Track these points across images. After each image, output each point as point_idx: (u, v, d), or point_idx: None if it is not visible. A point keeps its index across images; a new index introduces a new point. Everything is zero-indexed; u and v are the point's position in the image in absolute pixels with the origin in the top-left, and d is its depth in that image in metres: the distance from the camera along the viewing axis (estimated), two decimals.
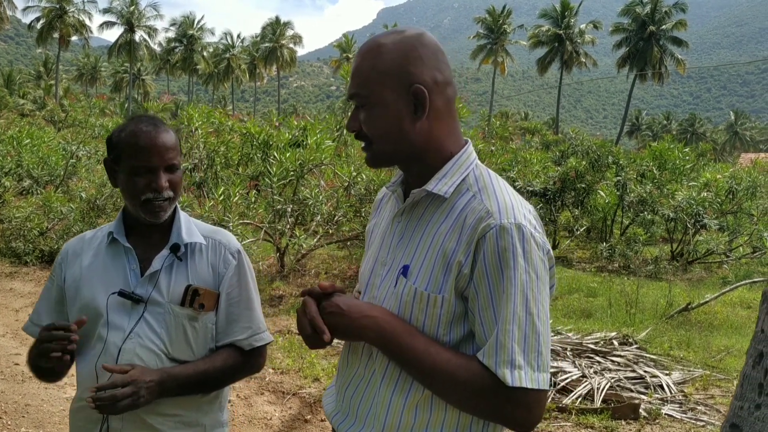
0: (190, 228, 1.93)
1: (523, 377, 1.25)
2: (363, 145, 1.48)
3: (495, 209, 1.33)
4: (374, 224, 1.68)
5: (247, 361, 1.95)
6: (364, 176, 9.52)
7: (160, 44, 71.96)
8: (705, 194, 13.58)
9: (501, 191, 1.39)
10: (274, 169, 9.34)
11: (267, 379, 5.72)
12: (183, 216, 1.95)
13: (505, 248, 1.29)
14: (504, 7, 64.75)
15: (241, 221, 8.76)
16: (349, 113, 1.49)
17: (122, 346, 1.78)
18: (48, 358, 1.66)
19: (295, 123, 12.38)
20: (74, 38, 60.90)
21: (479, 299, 1.31)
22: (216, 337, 1.92)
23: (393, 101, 1.38)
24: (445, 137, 1.43)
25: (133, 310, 1.82)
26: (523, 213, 1.34)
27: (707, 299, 8.82)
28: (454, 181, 1.41)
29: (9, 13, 50.68)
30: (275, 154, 10.04)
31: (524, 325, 1.27)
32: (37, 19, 58.05)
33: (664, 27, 55.99)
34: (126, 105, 51.87)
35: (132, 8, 63.05)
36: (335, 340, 1.43)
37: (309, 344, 1.44)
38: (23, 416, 4.67)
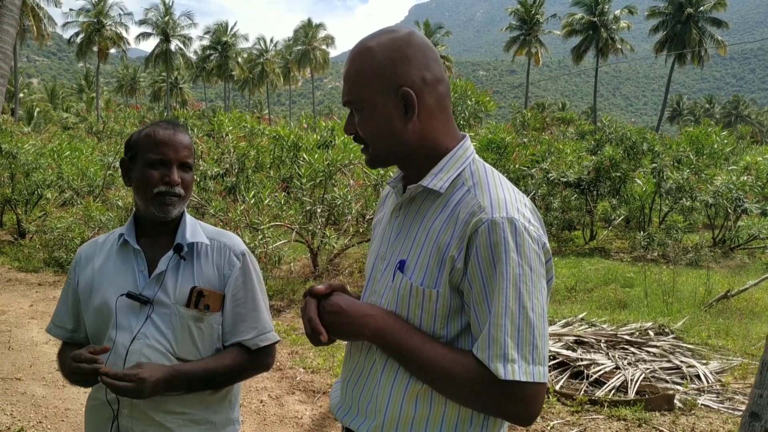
0: (195, 229, 1.98)
1: (516, 370, 1.25)
2: (362, 147, 1.50)
3: (487, 204, 1.33)
4: (377, 220, 1.70)
5: (254, 360, 1.98)
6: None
7: (195, 52, 73.13)
8: (745, 178, 13.20)
9: (495, 186, 1.38)
10: (303, 170, 9.42)
11: (298, 378, 5.78)
12: (189, 219, 2.00)
13: (496, 242, 1.29)
14: None
15: (272, 223, 8.86)
16: (346, 117, 1.51)
17: (130, 347, 1.84)
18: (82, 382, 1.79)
19: (324, 124, 12.47)
20: (112, 50, 62.17)
21: (473, 294, 1.32)
22: (223, 337, 1.96)
23: (382, 104, 1.39)
24: (440, 134, 1.44)
25: (141, 311, 1.87)
26: (517, 207, 1.34)
27: (747, 286, 8.58)
28: (449, 176, 1.41)
29: (50, 29, 51.93)
30: (304, 156, 10.13)
31: (517, 319, 1.27)
32: (77, 34, 59.43)
33: (702, 8, 54.57)
34: (165, 114, 52.82)
35: (166, 18, 64.16)
36: None
37: (312, 341, 1.46)
38: (62, 420, 4.82)
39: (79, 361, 1.74)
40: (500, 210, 1.31)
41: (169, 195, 1.87)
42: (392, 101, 1.39)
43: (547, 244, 1.37)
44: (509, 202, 1.34)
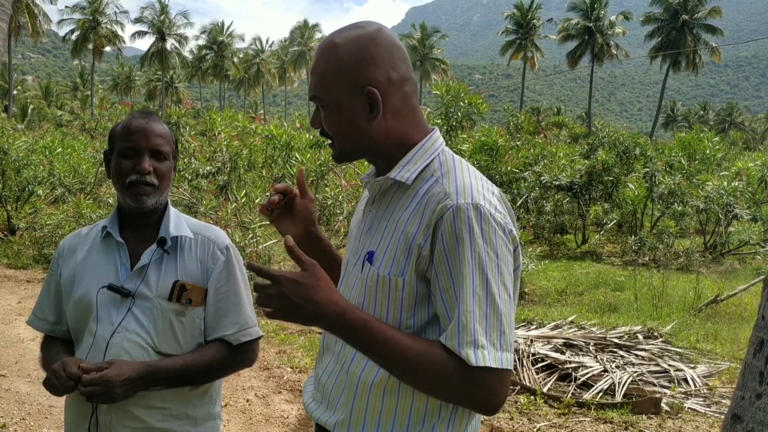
0: (179, 223, 1.96)
1: (486, 357, 1.24)
2: (329, 142, 1.50)
3: (453, 190, 1.33)
4: (355, 217, 1.70)
5: (235, 355, 1.97)
6: None
7: (191, 52, 73.05)
8: (736, 184, 13.25)
9: (462, 173, 1.38)
10: (295, 170, 9.42)
11: (285, 378, 5.76)
12: (173, 211, 1.99)
13: (461, 228, 1.28)
14: (533, 2, 64.12)
15: (263, 222, 8.84)
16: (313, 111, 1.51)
17: (110, 340, 1.82)
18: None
19: None
20: (108, 48, 62.08)
21: (439, 281, 1.31)
22: (205, 332, 1.95)
23: (347, 102, 1.40)
24: (407, 130, 1.44)
25: (122, 304, 1.86)
26: (483, 193, 1.34)
27: (737, 290, 8.62)
28: (417, 167, 1.41)
29: (45, 26, 51.74)
30: (297, 156, 10.13)
31: (485, 305, 1.26)
32: (72, 32, 59.34)
33: (697, 15, 54.88)
34: (160, 113, 52.72)
35: (162, 17, 64.05)
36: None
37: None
38: (46, 417, 4.78)
39: (56, 378, 1.75)
40: (465, 196, 1.31)
41: (141, 184, 1.85)
42: (357, 100, 1.39)
43: (515, 232, 1.37)
44: (475, 188, 1.34)
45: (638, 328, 6.97)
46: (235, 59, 73.24)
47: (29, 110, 50.39)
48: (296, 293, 1.31)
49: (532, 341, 6.20)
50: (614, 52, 57.92)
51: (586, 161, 15.21)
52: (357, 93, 1.39)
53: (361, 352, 1.37)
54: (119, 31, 60.61)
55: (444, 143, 1.49)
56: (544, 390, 5.31)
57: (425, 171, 1.41)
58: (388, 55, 1.40)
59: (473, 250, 1.27)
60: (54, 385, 1.76)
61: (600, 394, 5.26)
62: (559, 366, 5.77)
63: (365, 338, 1.33)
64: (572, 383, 5.49)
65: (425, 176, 1.41)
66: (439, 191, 1.35)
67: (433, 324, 1.37)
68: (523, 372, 5.64)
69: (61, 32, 61.86)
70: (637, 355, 6.15)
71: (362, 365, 1.42)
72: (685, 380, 5.65)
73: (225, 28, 72.59)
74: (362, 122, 1.40)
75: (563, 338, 6.37)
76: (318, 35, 77.21)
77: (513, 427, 4.71)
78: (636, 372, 5.66)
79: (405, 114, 1.43)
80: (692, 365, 6.02)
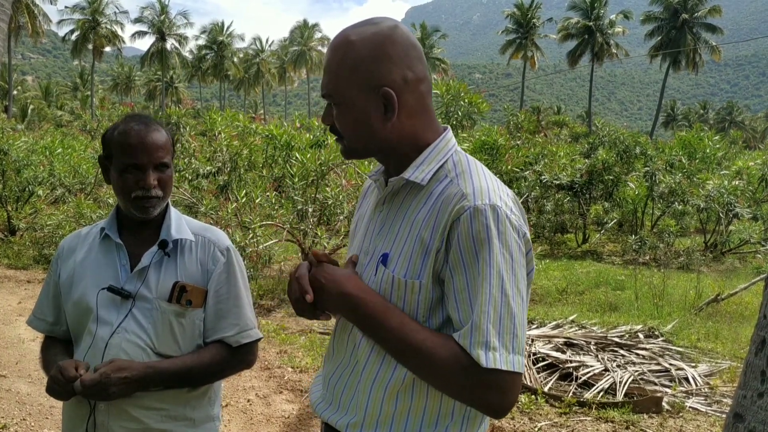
0: (180, 225, 1.95)
1: (498, 359, 1.24)
2: (336, 138, 1.48)
3: (470, 191, 1.32)
4: (360, 215, 1.68)
5: (235, 357, 1.96)
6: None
7: (191, 52, 73.06)
8: (737, 183, 13.25)
9: (478, 174, 1.37)
10: (295, 169, 9.41)
11: (286, 377, 5.75)
12: (174, 213, 1.97)
13: (479, 230, 1.27)
14: (533, 1, 64.12)
15: (263, 222, 8.84)
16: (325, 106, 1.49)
17: (109, 340, 1.81)
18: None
19: (317, 124, 12.46)
20: (108, 49, 62.07)
21: (455, 281, 1.30)
22: (204, 334, 1.94)
23: (362, 102, 1.37)
24: (420, 130, 1.43)
25: (122, 305, 1.85)
26: (499, 195, 1.33)
27: (737, 289, 8.61)
28: (431, 168, 1.40)
29: (45, 26, 51.67)
30: (297, 155, 10.12)
31: (499, 307, 1.26)
32: (72, 32, 59.34)
33: (697, 14, 54.88)
34: (159, 113, 52.70)
35: (162, 17, 64.08)
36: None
37: (297, 310, 1.46)
38: (47, 418, 4.78)
39: (57, 383, 1.75)
40: (483, 197, 1.30)
41: (146, 198, 1.84)
42: (372, 100, 1.37)
43: (528, 235, 1.36)
44: (492, 190, 1.34)
45: (639, 327, 6.97)
46: (235, 59, 73.24)
47: (29, 110, 50.35)
48: (321, 272, 1.40)
49: (533, 340, 6.20)
50: (614, 51, 57.93)
51: (586, 160, 15.21)
52: (372, 93, 1.36)
53: (376, 339, 1.37)
54: (119, 31, 60.65)
55: (456, 143, 1.47)
56: (545, 389, 5.31)
57: (439, 171, 1.40)
58: (405, 54, 1.38)
59: (490, 251, 1.27)
60: (57, 391, 1.76)
61: (601, 394, 5.25)
62: (560, 365, 5.76)
63: (383, 323, 1.34)
64: (573, 382, 5.48)
65: (439, 177, 1.39)
66: (455, 192, 1.34)
67: (448, 326, 1.36)
68: (524, 371, 5.63)
69: (61, 32, 61.87)
70: (638, 354, 6.14)
71: (377, 366, 1.41)
72: (686, 379, 5.64)
73: (225, 28, 72.57)
74: (376, 122, 1.38)
75: (564, 337, 6.36)
76: (318, 35, 77.26)
77: (514, 426, 4.71)
78: (637, 371, 5.65)
79: (419, 114, 1.42)
80: (693, 364, 6.01)
